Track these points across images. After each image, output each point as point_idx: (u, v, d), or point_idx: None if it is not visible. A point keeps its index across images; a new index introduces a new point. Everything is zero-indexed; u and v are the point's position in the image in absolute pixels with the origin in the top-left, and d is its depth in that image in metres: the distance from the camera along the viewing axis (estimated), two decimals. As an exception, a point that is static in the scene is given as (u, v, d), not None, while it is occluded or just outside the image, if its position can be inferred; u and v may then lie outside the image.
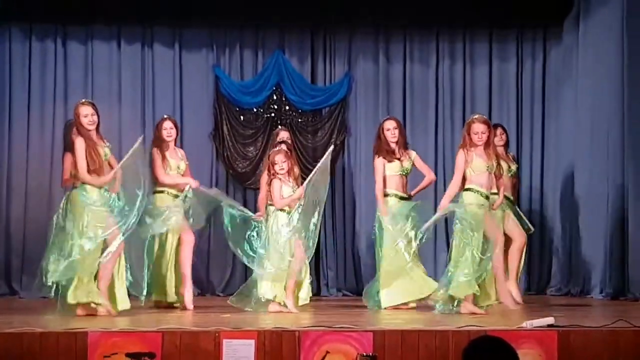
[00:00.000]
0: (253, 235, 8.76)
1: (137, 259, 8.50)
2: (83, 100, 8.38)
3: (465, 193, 8.30)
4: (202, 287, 11.03)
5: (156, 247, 9.01)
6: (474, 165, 8.28)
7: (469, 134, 8.37)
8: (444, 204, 8.39)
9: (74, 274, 7.81)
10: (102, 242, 7.92)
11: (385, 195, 9.26)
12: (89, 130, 8.04)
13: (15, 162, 11.10)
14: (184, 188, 9.01)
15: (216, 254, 11.27)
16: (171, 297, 9.01)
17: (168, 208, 8.93)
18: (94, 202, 7.91)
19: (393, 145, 9.31)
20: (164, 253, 9.01)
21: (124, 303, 8.05)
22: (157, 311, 8.65)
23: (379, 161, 9.31)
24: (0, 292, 10.88)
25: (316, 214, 8.77)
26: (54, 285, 7.91)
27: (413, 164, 9.41)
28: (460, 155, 8.35)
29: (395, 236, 9.08)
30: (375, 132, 9.61)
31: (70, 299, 7.80)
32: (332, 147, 9.39)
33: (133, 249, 8.49)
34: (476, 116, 8.57)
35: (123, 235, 7.97)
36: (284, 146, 9.36)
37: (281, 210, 8.68)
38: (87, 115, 8.05)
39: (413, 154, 9.48)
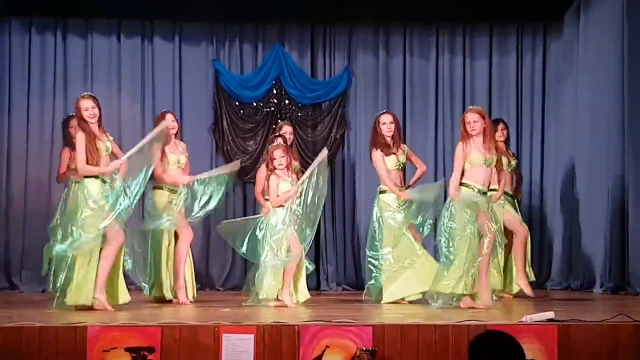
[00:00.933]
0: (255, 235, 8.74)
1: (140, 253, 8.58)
2: (84, 93, 8.36)
3: (461, 187, 8.25)
4: (202, 281, 11.04)
5: (158, 242, 9.03)
6: (472, 159, 8.20)
7: (463, 125, 8.32)
8: (452, 192, 8.22)
9: (67, 263, 7.82)
10: (99, 239, 7.87)
11: (384, 191, 9.24)
12: (91, 124, 8.03)
13: (14, 156, 11.10)
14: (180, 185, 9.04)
15: (216, 249, 11.28)
16: (169, 293, 9.00)
17: (165, 205, 8.95)
18: (94, 197, 7.88)
19: (388, 140, 9.29)
20: (162, 250, 8.99)
21: (124, 297, 8.04)
22: (157, 305, 8.64)
23: (378, 154, 9.28)
24: (0, 286, 10.89)
25: (318, 209, 8.79)
26: (53, 281, 7.94)
27: (406, 157, 9.40)
28: (459, 147, 8.28)
29: (397, 230, 9.10)
30: (371, 126, 9.59)
31: (69, 301, 7.78)
32: (325, 151, 9.34)
33: (137, 244, 8.61)
34: (471, 107, 8.55)
35: (117, 217, 7.95)
36: (280, 140, 9.35)
37: (279, 206, 8.65)
38: (87, 108, 8.02)
39: (405, 147, 9.47)
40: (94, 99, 8.14)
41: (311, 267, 9.18)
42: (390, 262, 9.11)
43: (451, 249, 8.07)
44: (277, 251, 8.49)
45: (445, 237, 8.14)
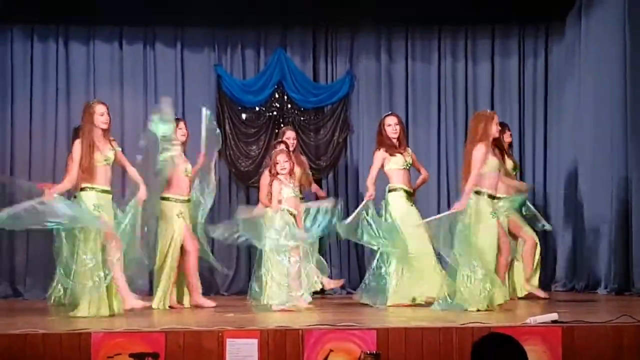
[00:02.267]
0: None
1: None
2: (97, 99, 8.34)
3: (475, 195, 8.06)
4: (206, 286, 11.02)
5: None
6: (489, 164, 8.07)
7: (490, 126, 8.13)
8: (464, 203, 8.00)
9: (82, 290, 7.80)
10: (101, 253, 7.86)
11: (394, 189, 9.25)
12: (102, 130, 7.99)
13: (17, 164, 11.10)
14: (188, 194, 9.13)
15: (220, 254, 11.26)
16: (170, 302, 9.03)
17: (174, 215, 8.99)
18: (92, 206, 7.86)
19: (394, 141, 9.32)
20: (165, 260, 9.01)
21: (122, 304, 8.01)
22: (160, 311, 8.65)
23: (380, 153, 9.30)
24: (4, 293, 10.90)
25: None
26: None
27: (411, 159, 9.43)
28: (482, 149, 7.99)
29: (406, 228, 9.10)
30: (376, 128, 9.57)
31: (85, 312, 7.77)
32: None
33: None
34: (493, 110, 8.49)
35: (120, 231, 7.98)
36: (283, 145, 9.38)
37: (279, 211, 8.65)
38: (103, 113, 7.99)
39: (409, 149, 9.50)
40: (106, 106, 8.14)
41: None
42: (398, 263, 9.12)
43: (466, 259, 7.97)
44: (281, 264, 8.49)
45: (460, 246, 8.02)
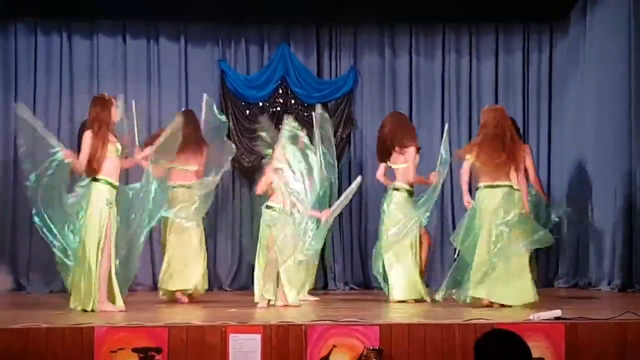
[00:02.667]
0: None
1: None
2: (109, 95, 8.37)
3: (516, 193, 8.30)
4: (209, 281, 11.01)
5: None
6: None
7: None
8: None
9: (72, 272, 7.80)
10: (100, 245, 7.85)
11: (396, 189, 9.24)
12: (114, 123, 8.01)
13: (21, 158, 11.08)
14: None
15: (223, 249, 11.29)
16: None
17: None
18: (100, 201, 7.85)
19: None
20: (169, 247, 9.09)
21: (118, 302, 7.98)
22: (163, 306, 8.65)
23: (413, 150, 9.30)
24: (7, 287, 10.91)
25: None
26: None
27: None
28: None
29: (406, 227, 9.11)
30: (400, 123, 9.49)
31: (73, 305, 7.77)
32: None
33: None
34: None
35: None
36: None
37: (268, 208, 8.60)
38: (118, 106, 8.05)
39: None
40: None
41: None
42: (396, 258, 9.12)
43: (502, 252, 8.07)
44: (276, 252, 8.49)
45: (498, 241, 8.10)
